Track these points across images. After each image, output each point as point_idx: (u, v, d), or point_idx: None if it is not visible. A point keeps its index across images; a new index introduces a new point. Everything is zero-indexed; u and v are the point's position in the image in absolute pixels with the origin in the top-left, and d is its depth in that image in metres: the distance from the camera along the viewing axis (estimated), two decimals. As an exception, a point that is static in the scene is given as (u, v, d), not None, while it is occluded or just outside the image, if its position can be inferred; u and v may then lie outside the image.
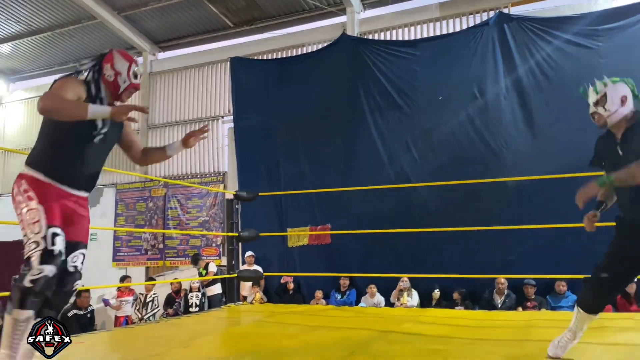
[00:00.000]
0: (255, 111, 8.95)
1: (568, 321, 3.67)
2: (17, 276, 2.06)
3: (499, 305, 6.63)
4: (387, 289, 7.40)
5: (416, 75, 7.99)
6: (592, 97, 2.45)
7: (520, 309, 6.56)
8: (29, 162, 2.24)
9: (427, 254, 7.23)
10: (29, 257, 2.05)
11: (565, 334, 2.48)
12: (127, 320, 8.34)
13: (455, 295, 6.93)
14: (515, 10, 8.25)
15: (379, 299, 7.34)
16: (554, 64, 7.25)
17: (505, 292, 6.72)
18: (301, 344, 3.04)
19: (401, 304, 7.01)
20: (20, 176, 2.23)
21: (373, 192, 7.46)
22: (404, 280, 7.17)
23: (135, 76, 2.41)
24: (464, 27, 8.09)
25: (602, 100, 2.38)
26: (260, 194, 5.74)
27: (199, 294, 8.22)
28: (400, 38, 9.24)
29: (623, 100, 2.38)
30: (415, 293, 7.25)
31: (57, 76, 2.37)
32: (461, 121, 7.56)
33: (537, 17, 7.50)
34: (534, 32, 7.40)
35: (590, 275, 2.45)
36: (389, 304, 7.25)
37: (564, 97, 6.95)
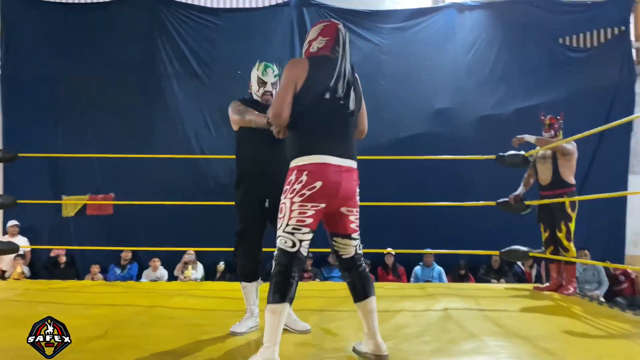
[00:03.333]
0: (31, 59, 7.72)
1: (332, 290, 4.00)
2: None
3: (279, 277, 6.95)
4: (172, 262, 7.20)
5: (216, 45, 7.81)
6: None
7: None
8: None
9: (216, 227, 7.18)
10: None
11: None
12: None
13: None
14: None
15: (162, 272, 7.10)
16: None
17: (286, 264, 7.07)
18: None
19: (185, 277, 6.89)
20: None
21: (165, 161, 7.10)
22: (190, 253, 7.05)
23: None
24: (267, 4, 8.13)
25: None
26: (21, 154, 4.96)
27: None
28: (202, 4, 8.87)
29: None
30: (200, 266, 7.20)
31: None
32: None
33: (334, 6, 7.91)
34: (331, 21, 7.81)
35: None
36: (172, 277, 7.06)
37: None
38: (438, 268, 7.03)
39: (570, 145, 4.04)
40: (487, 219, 6.64)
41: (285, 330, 2.62)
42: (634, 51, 7.94)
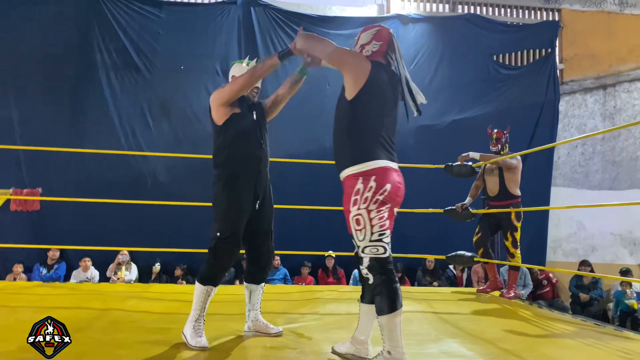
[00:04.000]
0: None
1: (279, 293, 3.98)
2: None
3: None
4: (104, 262, 6.86)
5: (159, 38, 7.56)
6: None
7: (237, 282, 6.90)
8: None
9: (152, 227, 6.96)
10: None
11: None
12: None
13: (178, 272, 6.88)
14: (263, -4, 8.54)
15: (93, 273, 6.75)
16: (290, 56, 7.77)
17: (226, 266, 6.97)
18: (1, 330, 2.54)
19: (118, 279, 6.59)
20: None
21: (99, 157, 6.76)
22: (124, 253, 6.75)
23: None
24: (213, 0, 7.98)
25: None
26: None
27: None
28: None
29: None
30: (134, 267, 6.91)
31: None
32: (200, 96, 7.48)
33: (282, 8, 7.91)
34: (277, 22, 7.81)
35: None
36: (104, 278, 6.74)
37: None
38: (376, 271, 7.20)
39: (515, 160, 4.31)
40: (420, 225, 6.90)
41: (257, 335, 2.63)
42: (558, 72, 8.56)
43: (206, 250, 2.56)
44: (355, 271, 7.25)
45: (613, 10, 8.92)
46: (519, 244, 4.24)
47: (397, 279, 2.13)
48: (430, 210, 5.15)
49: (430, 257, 7.16)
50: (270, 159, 2.83)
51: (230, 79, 2.76)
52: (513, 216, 4.19)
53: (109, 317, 2.97)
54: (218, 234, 2.51)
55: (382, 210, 2.12)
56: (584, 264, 7.57)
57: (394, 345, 2.06)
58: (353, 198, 2.13)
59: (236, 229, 2.53)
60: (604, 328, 3.05)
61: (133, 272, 6.85)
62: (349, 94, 2.18)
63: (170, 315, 3.11)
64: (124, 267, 6.76)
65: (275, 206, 2.83)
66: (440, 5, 8.66)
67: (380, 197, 2.11)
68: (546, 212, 8.18)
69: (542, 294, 6.83)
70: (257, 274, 2.71)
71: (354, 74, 2.17)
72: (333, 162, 2.36)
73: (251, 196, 2.60)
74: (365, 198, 2.10)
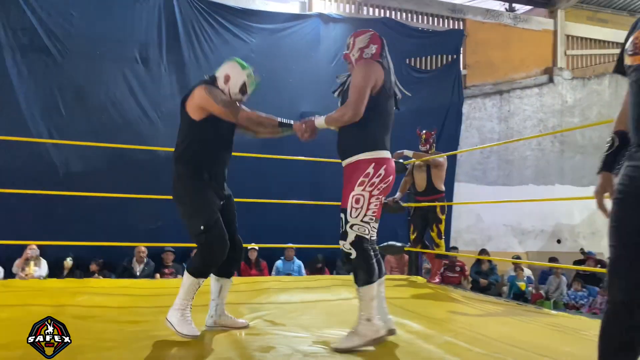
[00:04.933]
0: None
1: (158, 288, 3.96)
2: None
3: (138, 274, 6.65)
4: (8, 258, 6.37)
5: (72, 20, 7.10)
6: None
7: (158, 275, 6.76)
8: None
9: (62, 219, 6.58)
10: None
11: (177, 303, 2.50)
12: None
13: (93, 267, 6.58)
14: (185, -14, 8.35)
15: (-3, 269, 6.25)
16: (214, 47, 7.73)
17: (145, 260, 6.79)
18: None
19: (26, 275, 6.17)
20: None
21: (3, 144, 6.24)
22: (32, 248, 6.33)
23: None
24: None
25: None
26: None
27: None
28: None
29: None
30: (44, 262, 6.49)
31: None
32: (118, 83, 7.19)
33: (205, -2, 7.81)
34: (200, 13, 7.70)
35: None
36: (9, 274, 6.26)
37: (219, 81, 7.52)
38: (298, 262, 7.42)
39: (442, 158, 4.73)
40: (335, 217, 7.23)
41: (224, 329, 2.60)
42: (462, 77, 9.34)
43: (125, 244, 2.54)
44: (278, 262, 7.41)
45: (508, 23, 9.91)
46: (443, 234, 4.68)
47: (374, 257, 2.37)
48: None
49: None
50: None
51: (223, 78, 2.65)
52: (438, 209, 4.62)
53: (68, 313, 2.81)
54: (202, 227, 2.44)
55: (379, 197, 2.37)
56: (483, 252, 8.39)
57: (371, 313, 2.29)
58: (361, 179, 2.33)
59: (218, 218, 2.51)
60: (526, 307, 3.53)
61: (43, 267, 6.44)
62: (373, 93, 2.39)
63: (131, 309, 3.06)
64: (32, 263, 6.34)
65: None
66: (359, 8, 9.05)
67: (384, 186, 2.35)
68: (450, 205, 8.92)
69: (452, 278, 7.47)
70: (231, 267, 2.69)
71: (375, 81, 2.39)
72: (269, 155, 2.44)
73: (216, 195, 2.58)
74: (372, 182, 2.32)
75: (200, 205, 2.50)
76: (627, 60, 1.61)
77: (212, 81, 2.67)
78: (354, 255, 2.33)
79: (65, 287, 3.75)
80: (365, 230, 2.34)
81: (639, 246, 1.51)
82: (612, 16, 10.74)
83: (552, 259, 8.17)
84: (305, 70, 8.14)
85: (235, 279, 5.51)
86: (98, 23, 7.16)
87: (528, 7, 10.59)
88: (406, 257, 7.58)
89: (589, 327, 2.70)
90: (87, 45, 7.07)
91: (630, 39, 1.61)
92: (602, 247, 9.83)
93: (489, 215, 9.32)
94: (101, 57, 7.14)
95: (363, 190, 2.33)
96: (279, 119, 2.59)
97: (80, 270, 6.72)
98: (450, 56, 9.30)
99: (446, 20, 9.57)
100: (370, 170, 2.33)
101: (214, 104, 2.49)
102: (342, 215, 2.37)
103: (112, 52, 7.20)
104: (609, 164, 1.70)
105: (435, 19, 9.54)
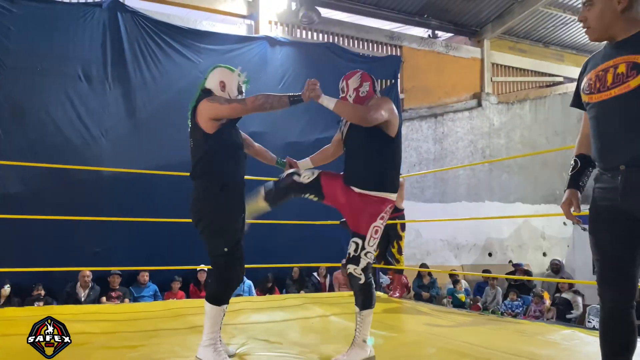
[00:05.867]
0: None
1: (188, 308, 3.99)
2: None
3: (83, 299, 6.37)
4: None
5: (10, 35, 6.77)
6: None
7: (104, 299, 6.51)
8: None
9: (2, 245, 6.19)
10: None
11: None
12: None
13: (35, 293, 6.22)
14: (131, 3, 8.22)
15: None
16: (160, 66, 7.65)
17: (90, 285, 6.52)
18: None
19: (-42, 305, 5.73)
20: None
21: None
22: (-35, 275, 5.90)
23: None
24: (75, 0, 7.46)
25: None
26: None
27: None
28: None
29: None
30: (-23, 291, 6.06)
31: None
32: (60, 100, 6.92)
33: (151, 17, 7.73)
34: (146, 31, 7.61)
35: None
36: (-63, 306, 5.78)
37: (166, 98, 7.51)
38: (248, 282, 7.41)
39: (402, 179, 5.00)
40: (281, 235, 7.38)
41: None
42: (401, 100, 9.84)
43: (68, 269, 2.49)
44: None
45: (441, 51, 10.60)
46: (403, 250, 4.94)
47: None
48: (326, 222, 5.62)
49: (324, 265, 7.70)
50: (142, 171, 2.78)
51: (218, 85, 2.64)
52: (399, 227, 4.87)
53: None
54: (225, 249, 2.42)
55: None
56: (423, 266, 8.81)
57: (366, 335, 2.49)
58: (382, 214, 2.55)
59: (240, 239, 2.49)
60: (489, 316, 3.82)
61: (-24, 296, 6.01)
62: (392, 132, 2.58)
63: (119, 335, 3.02)
64: (-36, 291, 5.90)
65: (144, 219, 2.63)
66: (304, 32, 9.33)
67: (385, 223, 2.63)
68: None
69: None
70: None
71: (393, 118, 2.58)
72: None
73: (241, 208, 2.56)
74: (383, 217, 2.56)
75: (224, 224, 2.46)
76: (585, 98, 1.90)
77: (209, 94, 2.63)
78: (362, 280, 2.50)
79: (26, 316, 3.57)
80: (372, 257, 2.56)
81: (615, 259, 1.78)
82: (530, 47, 11.80)
83: (485, 271, 8.75)
84: (253, 91, 8.01)
85: (191, 302, 5.48)
86: (38, 38, 6.88)
87: (450, 35, 11.30)
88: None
89: (549, 332, 3.02)
90: (27, 60, 6.76)
91: (585, 79, 1.90)
92: (527, 259, 10.65)
93: (427, 231, 9.81)
94: (42, 73, 6.86)
95: (381, 223, 2.57)
96: (289, 97, 2.58)
97: (19, 298, 6.34)
98: (389, 80, 9.77)
99: (385, 46, 10.08)
100: (388, 209, 2.60)
101: (221, 107, 2.48)
102: (358, 241, 2.51)
103: (53, 68, 6.93)
104: (574, 182, 2.00)
105: (375, 45, 10.02)
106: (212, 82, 2.67)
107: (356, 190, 2.55)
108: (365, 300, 2.49)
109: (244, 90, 2.76)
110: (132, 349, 2.61)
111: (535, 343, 2.88)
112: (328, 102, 2.56)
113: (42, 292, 6.24)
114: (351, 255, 2.51)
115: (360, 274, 2.50)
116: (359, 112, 2.52)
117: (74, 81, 7.06)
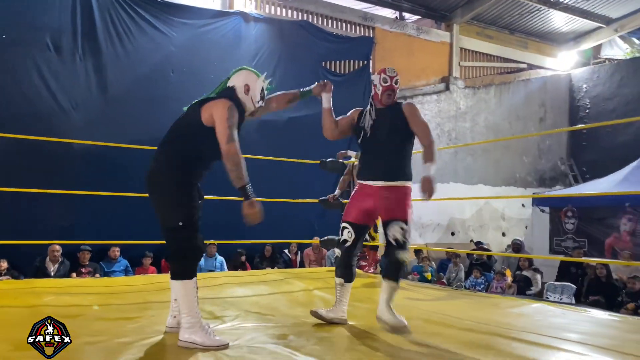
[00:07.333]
0: None
1: (117, 286, 3.95)
2: None
3: (52, 274, 6.29)
4: None
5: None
6: None
7: (74, 275, 6.45)
8: None
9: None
10: None
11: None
12: None
13: (2, 265, 6.11)
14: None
15: None
16: (132, 39, 7.49)
17: (60, 259, 6.44)
18: None
19: None
20: None
21: None
22: None
23: None
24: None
25: None
26: None
27: None
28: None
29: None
30: (-59, 264, 5.90)
31: None
32: (28, 70, 6.70)
33: (123, -12, 7.52)
34: (118, 2, 7.41)
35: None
36: None
37: (139, 72, 7.39)
38: (220, 258, 7.49)
39: None
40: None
41: None
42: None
43: (37, 242, 2.46)
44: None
45: (412, 34, 10.75)
46: (378, 228, 5.12)
47: None
48: (306, 200, 5.74)
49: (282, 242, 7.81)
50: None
51: (242, 87, 2.69)
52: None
53: (47, 313, 2.55)
54: (180, 223, 2.40)
55: None
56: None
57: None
58: (408, 201, 2.92)
59: (196, 216, 2.48)
60: (461, 290, 4.05)
61: (-60, 270, 5.85)
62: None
63: (112, 307, 3.06)
64: None
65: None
66: (278, 9, 9.26)
67: None
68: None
69: (364, 267, 7.98)
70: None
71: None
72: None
73: (198, 195, 2.58)
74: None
75: (184, 201, 2.47)
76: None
77: (231, 93, 2.67)
78: (405, 260, 2.82)
79: (17, 288, 3.56)
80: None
81: None
82: (497, 33, 12.11)
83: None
84: (227, 68, 7.96)
85: (165, 277, 5.50)
86: (3, 5, 6.61)
87: (417, 17, 11.41)
88: (324, 250, 8.03)
89: (520, 305, 3.27)
90: (-9, 28, 6.50)
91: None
92: (488, 239, 11.11)
93: (394, 211, 10.06)
94: (8, 42, 6.61)
95: (410, 209, 2.93)
96: (245, 187, 2.50)
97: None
98: (361, 62, 9.87)
99: (358, 27, 10.13)
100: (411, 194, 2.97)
101: (224, 123, 2.48)
102: (404, 226, 2.79)
103: (20, 37, 6.68)
104: None
105: (348, 25, 10.06)
106: (237, 82, 2.71)
107: (395, 183, 2.88)
108: (400, 274, 2.81)
109: (265, 96, 2.82)
110: (130, 321, 2.67)
111: (509, 315, 3.12)
112: (431, 171, 2.91)
113: (6, 266, 6.09)
114: (401, 241, 2.75)
115: (403, 255, 2.78)
116: (434, 144, 2.97)
117: (43, 51, 6.84)
